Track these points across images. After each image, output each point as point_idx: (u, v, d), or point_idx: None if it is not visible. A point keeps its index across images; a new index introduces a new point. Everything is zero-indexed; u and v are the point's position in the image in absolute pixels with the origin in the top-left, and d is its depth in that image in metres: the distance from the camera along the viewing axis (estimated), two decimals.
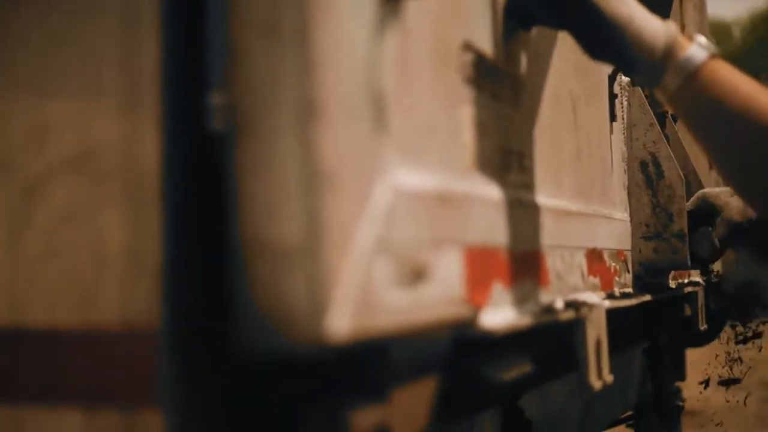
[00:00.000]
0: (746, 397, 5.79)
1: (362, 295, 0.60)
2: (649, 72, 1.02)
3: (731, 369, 7.03)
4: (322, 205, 0.59)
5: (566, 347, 1.11)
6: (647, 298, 1.51)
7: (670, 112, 2.19)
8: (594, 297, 1.21)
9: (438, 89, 0.78)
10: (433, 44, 0.78)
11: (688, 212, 1.99)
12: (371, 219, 0.63)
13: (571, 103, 1.22)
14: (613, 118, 1.45)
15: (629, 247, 1.47)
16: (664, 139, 1.56)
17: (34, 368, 0.66)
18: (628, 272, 1.45)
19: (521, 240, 0.94)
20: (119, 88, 0.65)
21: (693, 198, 1.83)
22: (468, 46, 0.85)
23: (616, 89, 1.51)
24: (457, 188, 0.78)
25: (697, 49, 1.02)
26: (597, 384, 1.13)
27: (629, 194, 1.53)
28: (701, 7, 3.62)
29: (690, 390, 5.04)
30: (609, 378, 1.17)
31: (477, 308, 0.80)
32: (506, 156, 0.94)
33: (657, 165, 1.54)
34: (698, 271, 2.22)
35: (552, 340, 1.12)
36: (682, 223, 1.54)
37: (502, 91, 0.94)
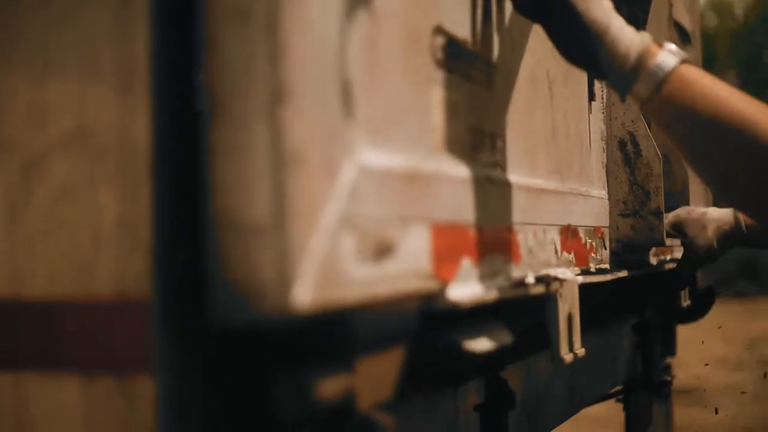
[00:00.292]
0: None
1: (327, 268, 0.64)
2: (621, 80, 1.05)
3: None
4: (289, 184, 0.62)
5: (542, 322, 1.15)
6: (623, 274, 1.55)
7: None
8: (567, 272, 1.25)
9: (408, 73, 0.82)
10: (403, 29, 0.81)
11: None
12: (337, 197, 0.67)
13: (547, 83, 1.26)
14: (591, 97, 1.49)
15: (606, 224, 1.51)
16: (643, 118, 1.59)
17: (34, 337, 0.70)
18: (605, 249, 1.49)
19: (491, 217, 0.97)
20: (114, 70, 0.69)
21: (672, 214, 1.88)
22: (439, 30, 0.89)
23: None
24: (425, 168, 0.82)
25: (667, 55, 1.04)
26: (568, 357, 1.17)
27: (608, 172, 1.56)
28: None
29: (691, 368, 5.06)
30: (581, 351, 1.21)
31: (444, 282, 0.83)
32: (478, 136, 0.97)
33: (635, 144, 1.57)
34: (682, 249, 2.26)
35: (528, 315, 1.16)
36: (659, 201, 1.57)
37: (475, 74, 0.98)
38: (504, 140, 1.06)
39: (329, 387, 0.67)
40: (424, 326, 0.86)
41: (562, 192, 1.29)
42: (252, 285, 0.62)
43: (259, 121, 0.63)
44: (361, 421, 0.72)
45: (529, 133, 1.17)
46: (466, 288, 0.89)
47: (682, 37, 2.57)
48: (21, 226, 0.71)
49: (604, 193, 1.53)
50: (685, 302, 2.40)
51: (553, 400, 1.72)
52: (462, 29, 0.95)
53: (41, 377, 0.70)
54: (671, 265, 2.01)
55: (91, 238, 0.69)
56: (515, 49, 1.14)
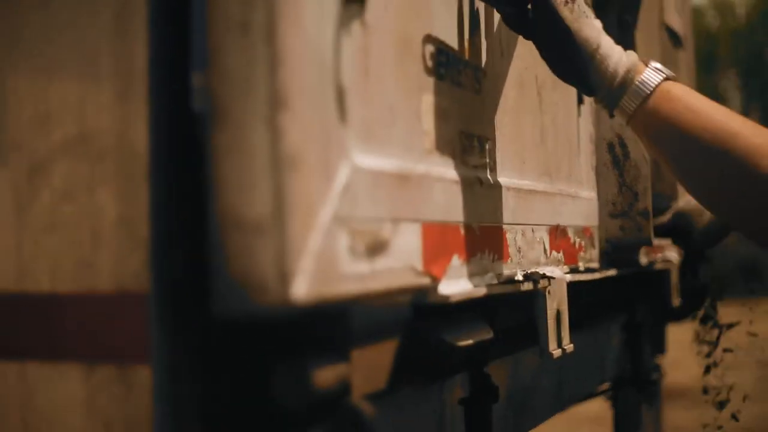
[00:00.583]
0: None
1: (324, 263, 0.69)
2: (609, 96, 1.09)
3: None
4: (287, 184, 0.67)
5: (532, 319, 1.19)
6: (611, 272, 1.59)
7: None
8: (555, 270, 1.29)
9: (400, 79, 0.86)
10: (395, 38, 0.86)
11: (664, 226, 2.09)
12: (333, 198, 0.71)
13: (536, 88, 1.30)
14: (580, 101, 1.53)
15: (596, 224, 1.55)
16: None
17: (39, 329, 0.75)
18: (594, 248, 1.53)
19: (481, 217, 1.02)
20: (113, 72, 0.74)
21: (668, 214, 1.92)
22: (430, 39, 0.93)
23: None
24: (416, 170, 0.86)
25: (652, 72, 1.08)
26: (556, 352, 1.21)
27: (597, 174, 1.61)
28: None
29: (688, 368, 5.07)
30: (569, 347, 1.25)
31: (435, 278, 0.88)
32: (468, 139, 1.02)
33: (623, 146, 1.61)
34: (674, 249, 2.29)
35: (517, 312, 1.21)
36: (646, 202, 1.61)
37: (464, 80, 1.02)
38: (494, 143, 1.11)
39: (326, 376, 0.72)
40: (413, 321, 0.90)
41: (551, 193, 1.33)
42: (252, 278, 0.66)
43: (259, 125, 0.67)
44: (347, 409, 0.76)
45: (519, 136, 1.21)
46: (456, 284, 0.93)
47: (674, 41, 2.60)
48: (26, 225, 0.76)
49: (593, 194, 1.57)
50: (676, 302, 2.44)
51: (540, 395, 1.76)
52: (452, 37, 0.99)
53: (45, 367, 0.75)
54: (661, 265, 2.05)
55: (92, 236, 0.74)
56: (504, 55, 1.18)
